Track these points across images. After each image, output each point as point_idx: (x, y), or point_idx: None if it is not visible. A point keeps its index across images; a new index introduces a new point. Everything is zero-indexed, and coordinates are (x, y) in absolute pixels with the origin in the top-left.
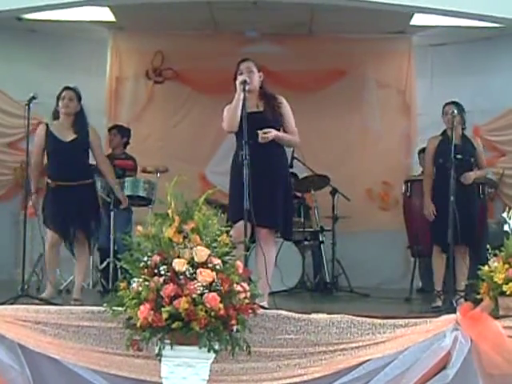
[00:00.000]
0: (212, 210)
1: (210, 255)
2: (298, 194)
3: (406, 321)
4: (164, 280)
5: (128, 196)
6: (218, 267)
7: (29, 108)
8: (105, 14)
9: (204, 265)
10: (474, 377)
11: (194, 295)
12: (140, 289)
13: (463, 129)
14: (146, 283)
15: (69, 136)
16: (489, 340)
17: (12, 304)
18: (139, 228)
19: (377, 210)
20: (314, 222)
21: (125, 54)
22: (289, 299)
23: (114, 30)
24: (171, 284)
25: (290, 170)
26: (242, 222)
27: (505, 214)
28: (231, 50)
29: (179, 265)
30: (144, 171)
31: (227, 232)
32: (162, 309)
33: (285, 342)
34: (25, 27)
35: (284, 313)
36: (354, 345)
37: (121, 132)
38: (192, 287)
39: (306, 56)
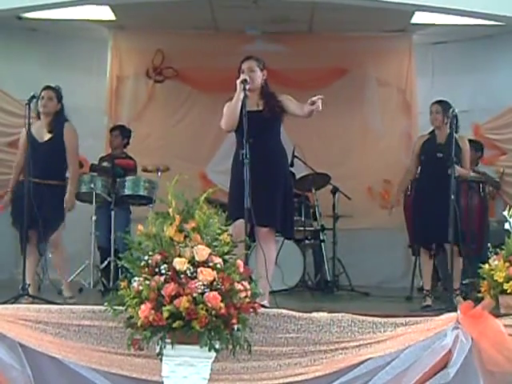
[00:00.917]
0: (213, 208)
1: (210, 254)
2: (299, 193)
3: (407, 319)
4: (165, 279)
5: (129, 195)
6: (218, 266)
7: (29, 107)
8: (105, 13)
9: (205, 264)
10: (475, 375)
11: (194, 294)
12: (141, 288)
13: (452, 128)
14: (147, 282)
15: (45, 136)
16: (490, 338)
17: (13, 303)
18: (140, 227)
19: (377, 208)
20: (314, 221)
21: (125, 52)
22: (290, 298)
23: (115, 28)
24: (172, 283)
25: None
26: (241, 221)
27: (505, 213)
28: (232, 49)
29: (180, 264)
30: (145, 170)
31: (228, 230)
32: (163, 308)
33: (285, 340)
34: (25, 26)
35: (285, 311)
36: (354, 343)
37: (123, 133)
38: (193, 286)
39: (306, 54)
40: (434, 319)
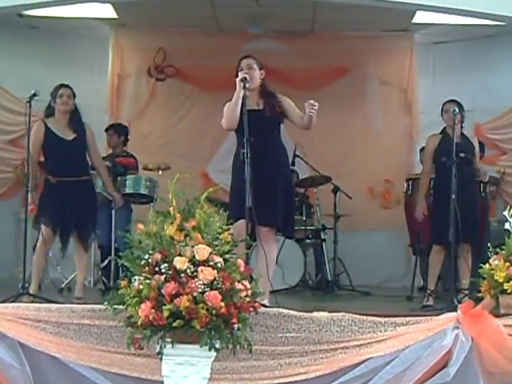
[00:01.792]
0: (213, 207)
1: (211, 253)
2: (301, 190)
3: (407, 319)
4: (165, 278)
5: (130, 194)
6: (219, 265)
7: (30, 105)
8: (107, 11)
9: (205, 263)
10: (475, 375)
11: (195, 293)
12: (141, 287)
13: (462, 127)
14: (147, 281)
15: (69, 134)
16: (490, 338)
17: (13, 302)
18: (140, 226)
19: (378, 208)
20: (315, 220)
21: (127, 51)
22: (290, 297)
23: (116, 27)
24: (172, 282)
25: (291, 168)
26: (242, 220)
27: (506, 213)
28: (233, 48)
29: (180, 263)
30: (146, 169)
31: (229, 230)
32: (163, 307)
33: (286, 340)
34: (26, 24)
35: (285, 311)
36: (355, 343)
37: (117, 131)
38: (193, 285)
39: (308, 53)
40: (434, 319)
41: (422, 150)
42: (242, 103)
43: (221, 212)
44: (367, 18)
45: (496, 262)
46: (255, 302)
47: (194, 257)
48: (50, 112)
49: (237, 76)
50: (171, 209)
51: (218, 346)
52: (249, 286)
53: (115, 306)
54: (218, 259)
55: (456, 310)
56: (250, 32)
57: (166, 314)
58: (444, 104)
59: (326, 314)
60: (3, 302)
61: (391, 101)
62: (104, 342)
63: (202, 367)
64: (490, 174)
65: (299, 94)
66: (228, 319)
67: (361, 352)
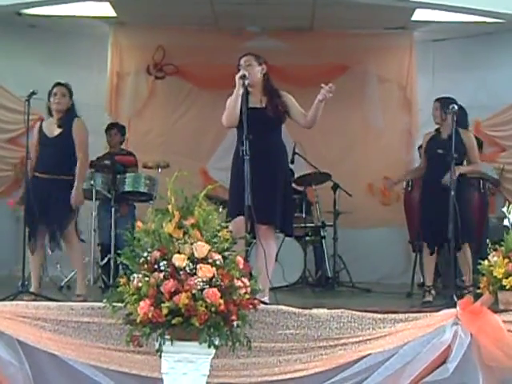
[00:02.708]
0: (213, 205)
1: (210, 251)
2: (300, 189)
3: (406, 315)
4: (164, 276)
5: (129, 192)
6: (218, 263)
7: (29, 104)
8: (105, 9)
9: (204, 260)
10: (474, 371)
11: (194, 291)
12: (140, 284)
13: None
14: (146, 279)
15: (55, 131)
16: (489, 334)
17: (12, 300)
18: (139, 224)
19: (378, 205)
20: (315, 218)
21: (125, 49)
22: (290, 294)
23: (115, 25)
24: (171, 280)
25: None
26: (241, 218)
27: (505, 209)
28: (232, 46)
29: (179, 260)
30: (145, 167)
31: (228, 227)
32: (162, 304)
33: (285, 337)
34: (25, 22)
35: (284, 308)
36: (354, 339)
37: (121, 131)
38: (192, 283)
39: (307, 51)
40: (434, 315)
41: (420, 147)
42: (243, 100)
43: (220, 210)
44: (367, 16)
45: (495, 259)
46: (254, 298)
47: (192, 254)
48: (49, 111)
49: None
50: (170, 206)
51: (217, 343)
52: (248, 283)
53: (114, 304)
54: (217, 256)
55: (455, 307)
56: (250, 30)
57: (165, 311)
58: (434, 102)
59: (325, 310)
60: (2, 300)
61: (391, 98)
62: (103, 339)
63: (202, 364)
64: (490, 174)
65: (299, 92)
66: (227, 316)
67: (360, 348)
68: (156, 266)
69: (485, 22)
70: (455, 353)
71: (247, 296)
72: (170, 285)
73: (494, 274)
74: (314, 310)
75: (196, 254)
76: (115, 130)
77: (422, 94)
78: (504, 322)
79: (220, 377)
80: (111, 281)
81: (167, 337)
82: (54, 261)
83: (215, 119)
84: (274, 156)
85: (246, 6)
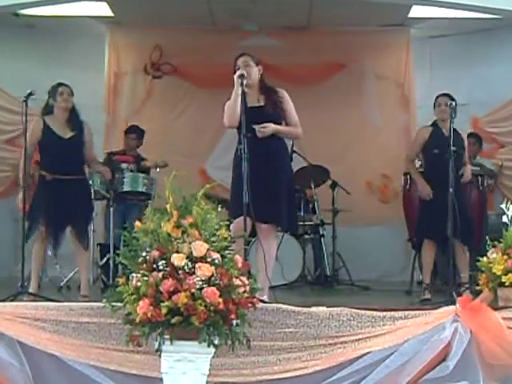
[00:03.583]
0: (211, 204)
1: (208, 250)
2: (298, 188)
3: (406, 313)
4: (163, 275)
5: (128, 192)
6: (216, 261)
7: (26, 104)
8: (102, 9)
9: (203, 259)
10: (474, 368)
11: (193, 290)
12: (139, 284)
13: (452, 122)
14: (145, 278)
15: (67, 133)
16: (488, 331)
17: (12, 301)
18: (137, 223)
19: (377, 203)
20: (314, 216)
21: (123, 49)
22: (289, 293)
23: (112, 25)
24: (170, 279)
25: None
26: (242, 217)
27: (503, 206)
28: (229, 44)
29: (178, 259)
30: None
31: (227, 226)
32: (161, 304)
33: (285, 335)
34: (22, 23)
35: (284, 306)
36: (353, 337)
37: (140, 136)
38: (191, 282)
39: (304, 49)
40: (433, 312)
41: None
42: (242, 100)
43: (218, 209)
44: (363, 13)
45: (494, 255)
46: (254, 297)
47: (191, 253)
48: (48, 110)
49: (235, 74)
50: (168, 206)
51: (216, 342)
52: (247, 281)
53: (113, 304)
54: (216, 255)
55: (455, 304)
56: (246, 29)
57: (164, 310)
58: (437, 97)
59: (324, 308)
60: (2, 300)
61: (388, 96)
62: (103, 339)
63: (201, 363)
64: (487, 166)
65: (296, 90)
66: (226, 315)
67: (359, 346)
68: (155, 266)
69: (482, 19)
70: (455, 350)
71: (246, 295)
72: (168, 284)
73: (493, 270)
74: (314, 309)
75: (194, 253)
76: (134, 135)
77: (419, 91)
78: (503, 318)
79: (220, 376)
80: (111, 281)
81: (167, 336)
82: (54, 261)
83: (213, 118)
84: (275, 154)
85: (243, 5)
